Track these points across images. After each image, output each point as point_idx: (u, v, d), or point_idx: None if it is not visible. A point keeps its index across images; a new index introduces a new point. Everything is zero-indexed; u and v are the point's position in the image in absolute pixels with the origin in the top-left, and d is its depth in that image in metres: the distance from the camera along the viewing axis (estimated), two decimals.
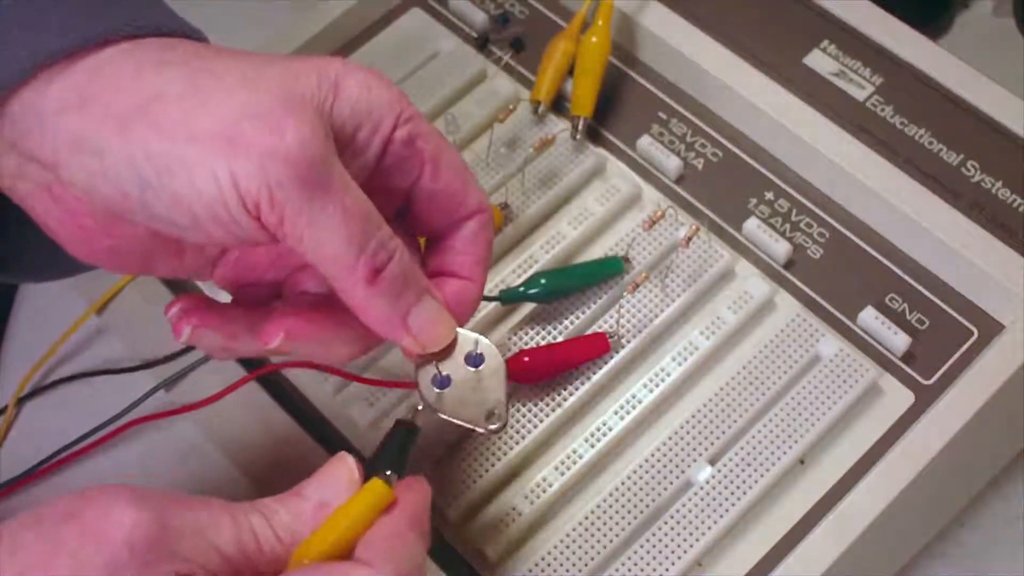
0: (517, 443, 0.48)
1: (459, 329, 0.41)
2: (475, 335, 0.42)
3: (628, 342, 0.50)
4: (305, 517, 0.37)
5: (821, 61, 0.55)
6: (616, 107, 0.56)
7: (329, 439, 0.50)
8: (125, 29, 0.37)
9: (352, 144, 0.39)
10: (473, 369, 0.41)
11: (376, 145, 0.39)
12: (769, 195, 0.53)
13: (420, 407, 0.41)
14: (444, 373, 0.41)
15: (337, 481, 0.38)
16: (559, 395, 0.49)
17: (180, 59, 0.37)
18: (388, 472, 0.38)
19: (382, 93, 0.39)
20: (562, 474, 0.48)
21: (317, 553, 0.35)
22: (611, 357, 0.49)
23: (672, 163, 0.54)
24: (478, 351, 0.42)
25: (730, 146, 0.55)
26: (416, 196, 0.41)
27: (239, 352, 0.41)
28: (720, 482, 0.47)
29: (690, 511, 0.46)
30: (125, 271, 0.40)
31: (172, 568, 0.33)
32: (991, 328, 0.49)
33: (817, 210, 0.53)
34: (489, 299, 0.50)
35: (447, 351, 0.41)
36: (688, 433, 0.48)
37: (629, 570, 0.45)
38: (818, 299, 0.51)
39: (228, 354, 0.41)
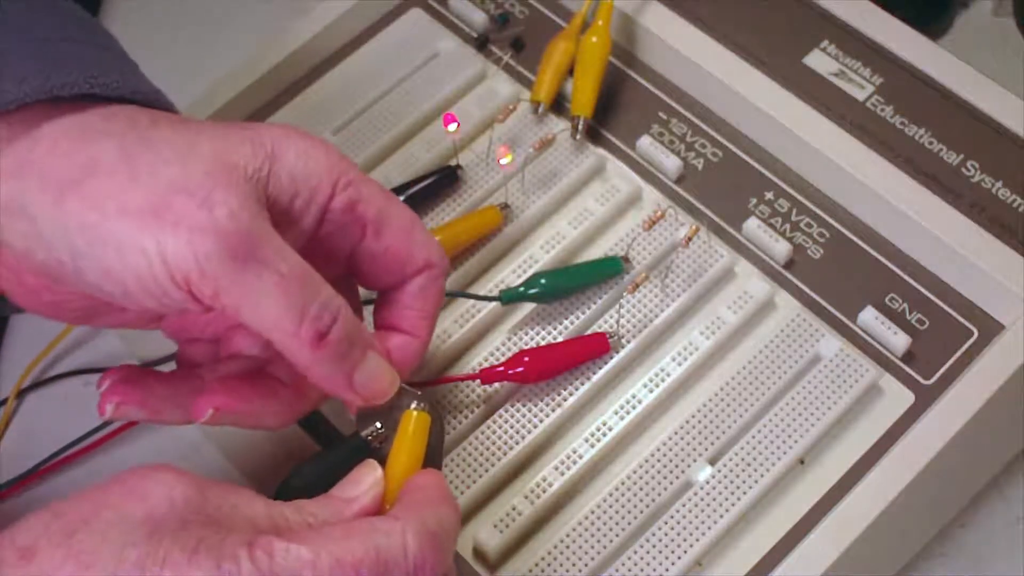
0: (517, 443, 0.48)
1: (403, 384, 0.42)
2: (416, 392, 0.43)
3: (628, 342, 0.50)
4: (332, 509, 0.38)
5: (821, 61, 0.55)
6: (616, 107, 0.56)
7: (329, 438, 0.50)
8: (64, 90, 0.38)
9: (289, 213, 0.39)
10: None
11: (313, 213, 0.40)
12: (769, 195, 0.53)
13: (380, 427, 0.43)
14: (382, 429, 0.42)
15: (363, 482, 0.39)
16: (559, 395, 0.49)
17: (118, 129, 0.38)
18: (413, 405, 0.41)
19: (320, 161, 0.40)
20: (562, 474, 0.48)
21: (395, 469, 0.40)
22: (611, 357, 0.49)
23: (672, 163, 0.54)
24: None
25: (730, 146, 0.55)
26: (359, 257, 0.42)
27: (168, 424, 0.42)
28: (720, 482, 0.47)
29: (690, 511, 0.46)
30: (70, 323, 0.42)
31: (206, 532, 0.34)
32: (991, 328, 0.49)
33: (817, 210, 0.53)
34: (489, 299, 0.50)
35: (388, 403, 0.42)
36: (688, 433, 0.48)
37: (629, 570, 0.45)
38: (818, 299, 0.51)
39: (157, 423, 0.42)
